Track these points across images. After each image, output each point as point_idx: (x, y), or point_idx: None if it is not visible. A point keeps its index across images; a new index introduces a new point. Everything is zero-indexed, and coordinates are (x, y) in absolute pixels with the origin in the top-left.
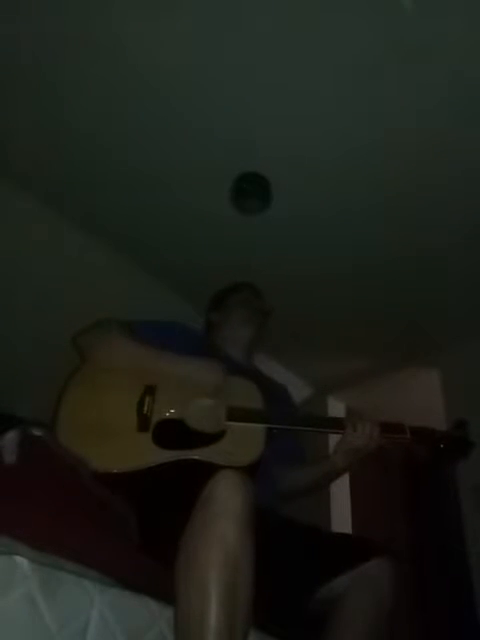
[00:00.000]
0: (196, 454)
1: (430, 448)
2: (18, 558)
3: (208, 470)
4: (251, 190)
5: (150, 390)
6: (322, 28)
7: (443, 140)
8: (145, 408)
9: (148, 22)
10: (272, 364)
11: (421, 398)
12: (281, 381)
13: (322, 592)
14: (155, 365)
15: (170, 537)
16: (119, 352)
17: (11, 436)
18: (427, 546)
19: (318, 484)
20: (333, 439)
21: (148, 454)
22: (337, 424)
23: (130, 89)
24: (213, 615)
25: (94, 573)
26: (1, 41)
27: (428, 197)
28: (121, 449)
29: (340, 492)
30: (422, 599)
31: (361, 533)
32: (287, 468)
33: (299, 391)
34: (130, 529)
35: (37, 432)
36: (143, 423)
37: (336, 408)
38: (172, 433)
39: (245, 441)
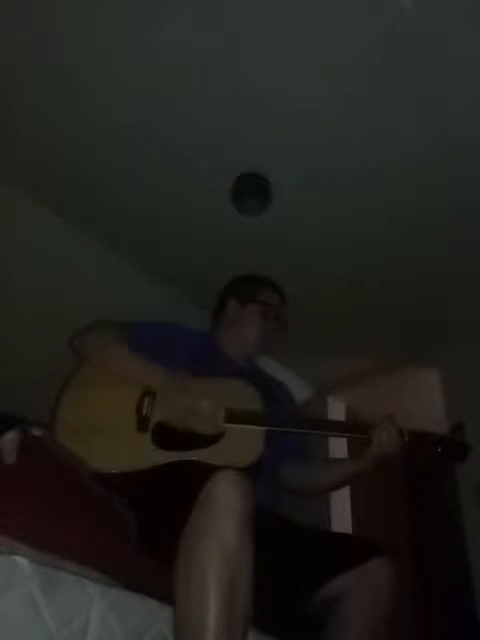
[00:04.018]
0: (195, 455)
1: (428, 451)
2: (18, 558)
3: (207, 471)
4: (251, 190)
5: (149, 391)
6: (322, 28)
7: (444, 137)
8: (144, 409)
9: (147, 22)
10: (272, 364)
11: (421, 398)
12: (283, 380)
13: (322, 592)
14: (142, 379)
15: (170, 537)
16: (112, 360)
17: (11, 436)
18: (427, 546)
19: (337, 487)
20: (333, 440)
21: (147, 455)
22: (362, 429)
23: (130, 89)
24: (212, 615)
25: (94, 573)
26: (1, 41)
27: (429, 195)
28: (120, 449)
29: (340, 492)
30: (422, 599)
31: (361, 533)
32: (295, 464)
33: (299, 391)
34: (130, 529)
35: (37, 432)
36: (142, 424)
37: (336, 408)
38: (171, 434)
39: (244, 443)
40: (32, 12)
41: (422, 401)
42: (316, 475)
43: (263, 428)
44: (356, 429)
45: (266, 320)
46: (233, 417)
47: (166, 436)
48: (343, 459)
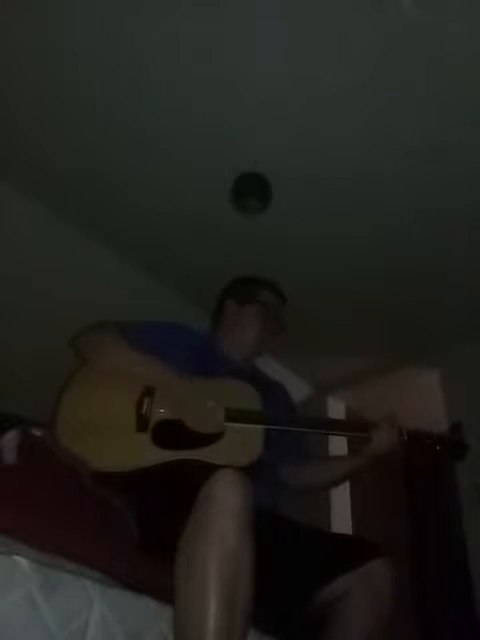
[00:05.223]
0: (195, 454)
1: (427, 451)
2: (18, 558)
3: (207, 470)
4: (251, 190)
5: (149, 391)
6: (322, 28)
7: (444, 137)
8: (144, 409)
9: (146, 21)
10: (272, 364)
11: (421, 398)
12: (281, 381)
13: (322, 593)
14: (150, 372)
15: (170, 537)
16: (114, 357)
17: (11, 436)
18: (427, 546)
19: (336, 484)
20: (333, 439)
21: (147, 454)
22: (362, 428)
23: (129, 88)
24: (212, 615)
25: (94, 573)
26: (1, 41)
27: (428, 195)
28: (120, 449)
29: (340, 492)
30: (422, 599)
31: (361, 533)
32: (293, 464)
33: (299, 391)
34: (130, 529)
35: (37, 432)
36: (142, 423)
37: (336, 408)
38: (171, 433)
39: (244, 442)
40: (32, 11)
41: (422, 401)
42: (314, 474)
43: (263, 427)
44: (356, 428)
45: (265, 321)
46: (233, 416)
47: (166, 435)
48: (341, 456)
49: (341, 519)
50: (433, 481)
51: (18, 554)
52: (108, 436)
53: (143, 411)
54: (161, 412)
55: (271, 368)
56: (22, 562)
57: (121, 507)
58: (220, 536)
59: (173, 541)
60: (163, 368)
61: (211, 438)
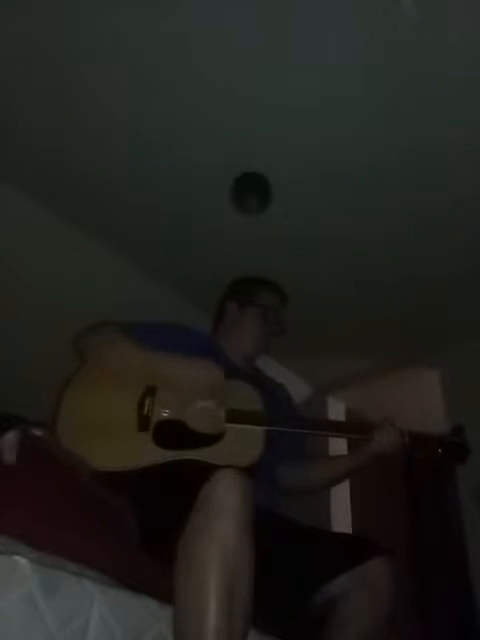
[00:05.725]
0: (195, 454)
1: (429, 453)
2: (18, 558)
3: (207, 470)
4: (251, 190)
5: (150, 391)
6: (323, 28)
7: (443, 137)
8: (145, 409)
9: (147, 21)
10: (273, 364)
11: (421, 398)
12: (281, 381)
13: (322, 592)
14: (153, 367)
15: (170, 537)
16: (118, 354)
17: (11, 436)
18: (427, 546)
19: (335, 483)
20: (333, 440)
21: (148, 454)
22: (362, 430)
23: (130, 88)
24: (212, 615)
25: (94, 573)
26: (0, 41)
27: (428, 195)
28: (121, 449)
29: (340, 492)
30: (422, 599)
31: (361, 533)
32: (293, 465)
33: (299, 392)
34: (130, 529)
35: (37, 432)
36: (143, 423)
37: (336, 409)
38: (172, 433)
39: (244, 442)
40: (32, 12)
41: (422, 401)
42: (313, 474)
43: (264, 428)
44: (356, 429)
45: (266, 323)
46: (234, 417)
47: (167, 435)
48: (340, 455)
49: (341, 519)
50: (434, 482)
51: (18, 554)
52: (108, 436)
53: (145, 411)
54: (162, 412)
55: (272, 369)
56: (22, 562)
57: (121, 507)
58: (220, 536)
59: (173, 541)
60: (169, 360)
61: (212, 438)
